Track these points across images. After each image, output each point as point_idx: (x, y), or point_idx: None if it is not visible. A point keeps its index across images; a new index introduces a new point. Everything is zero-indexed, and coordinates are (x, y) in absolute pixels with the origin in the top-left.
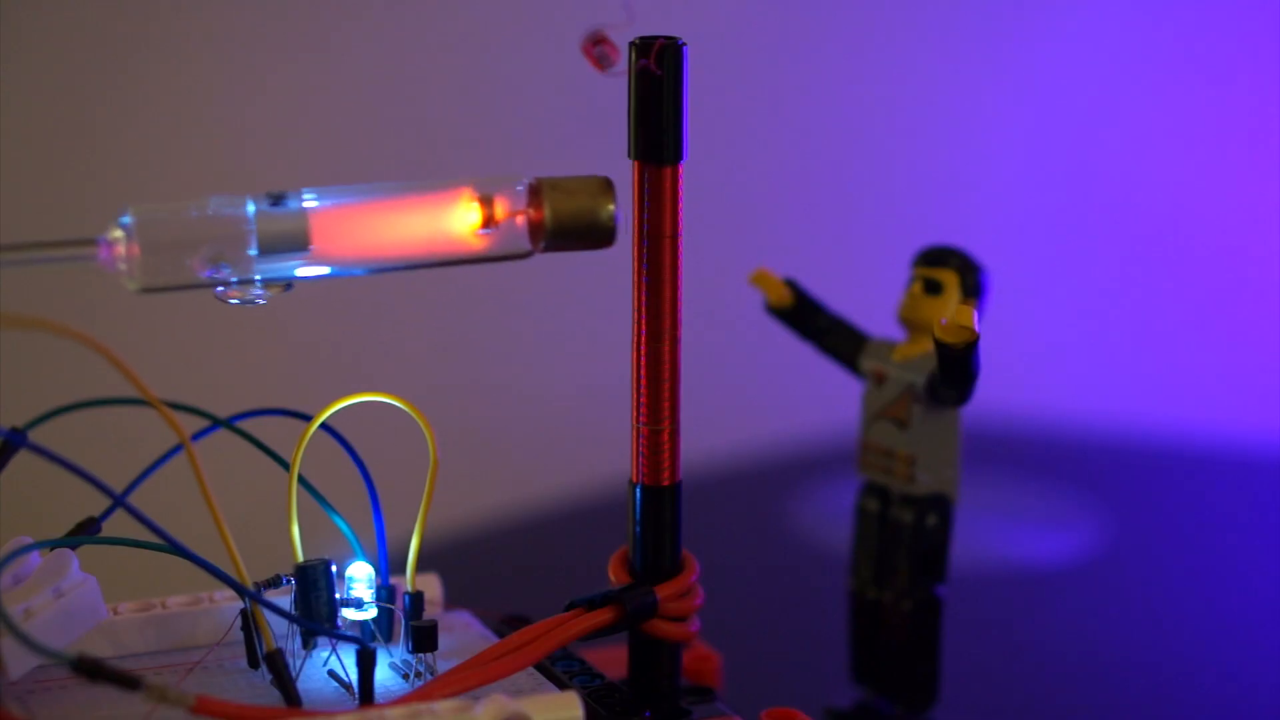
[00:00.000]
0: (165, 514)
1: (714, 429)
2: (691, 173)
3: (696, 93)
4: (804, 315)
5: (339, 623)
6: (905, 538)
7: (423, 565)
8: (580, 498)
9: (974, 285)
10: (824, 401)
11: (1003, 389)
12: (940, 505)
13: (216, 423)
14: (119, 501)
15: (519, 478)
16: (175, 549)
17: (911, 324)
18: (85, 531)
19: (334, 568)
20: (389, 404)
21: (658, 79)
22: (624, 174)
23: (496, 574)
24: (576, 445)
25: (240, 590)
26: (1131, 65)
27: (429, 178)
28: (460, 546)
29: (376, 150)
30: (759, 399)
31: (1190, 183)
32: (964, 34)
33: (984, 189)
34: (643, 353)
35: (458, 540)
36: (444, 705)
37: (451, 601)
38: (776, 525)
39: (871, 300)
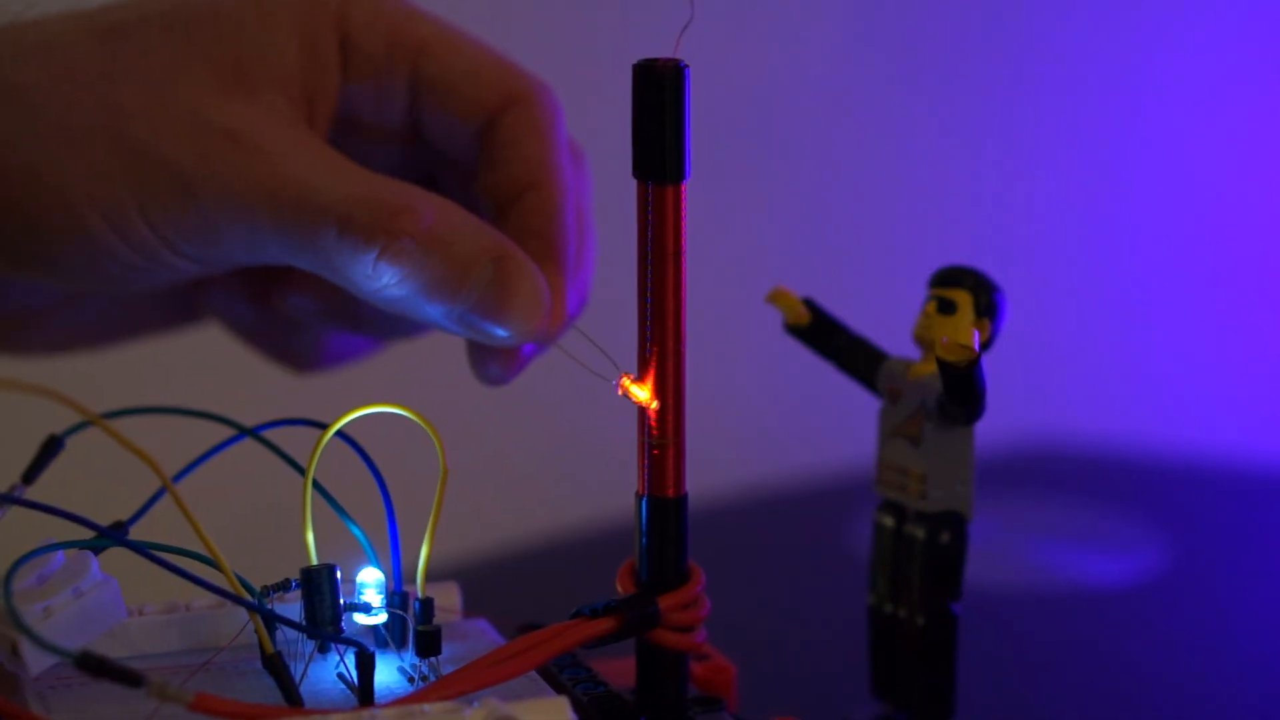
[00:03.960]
0: (179, 520)
1: (740, 444)
2: (715, 190)
3: (714, 107)
4: (822, 334)
5: (343, 627)
6: (918, 554)
7: (455, 576)
8: (617, 510)
9: (988, 305)
10: (849, 418)
11: (1051, 409)
12: (953, 522)
13: (243, 431)
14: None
15: (552, 492)
16: (175, 565)
17: (925, 343)
18: (114, 534)
19: (338, 572)
20: (416, 421)
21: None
22: (629, 191)
23: (530, 585)
24: (611, 458)
25: (234, 599)
26: (1157, 69)
27: None
28: (497, 557)
29: None
30: (783, 415)
31: (1242, 198)
32: (985, 49)
33: (1019, 206)
34: (648, 368)
35: (493, 551)
36: (435, 707)
37: (477, 610)
38: (801, 539)
39: (896, 320)
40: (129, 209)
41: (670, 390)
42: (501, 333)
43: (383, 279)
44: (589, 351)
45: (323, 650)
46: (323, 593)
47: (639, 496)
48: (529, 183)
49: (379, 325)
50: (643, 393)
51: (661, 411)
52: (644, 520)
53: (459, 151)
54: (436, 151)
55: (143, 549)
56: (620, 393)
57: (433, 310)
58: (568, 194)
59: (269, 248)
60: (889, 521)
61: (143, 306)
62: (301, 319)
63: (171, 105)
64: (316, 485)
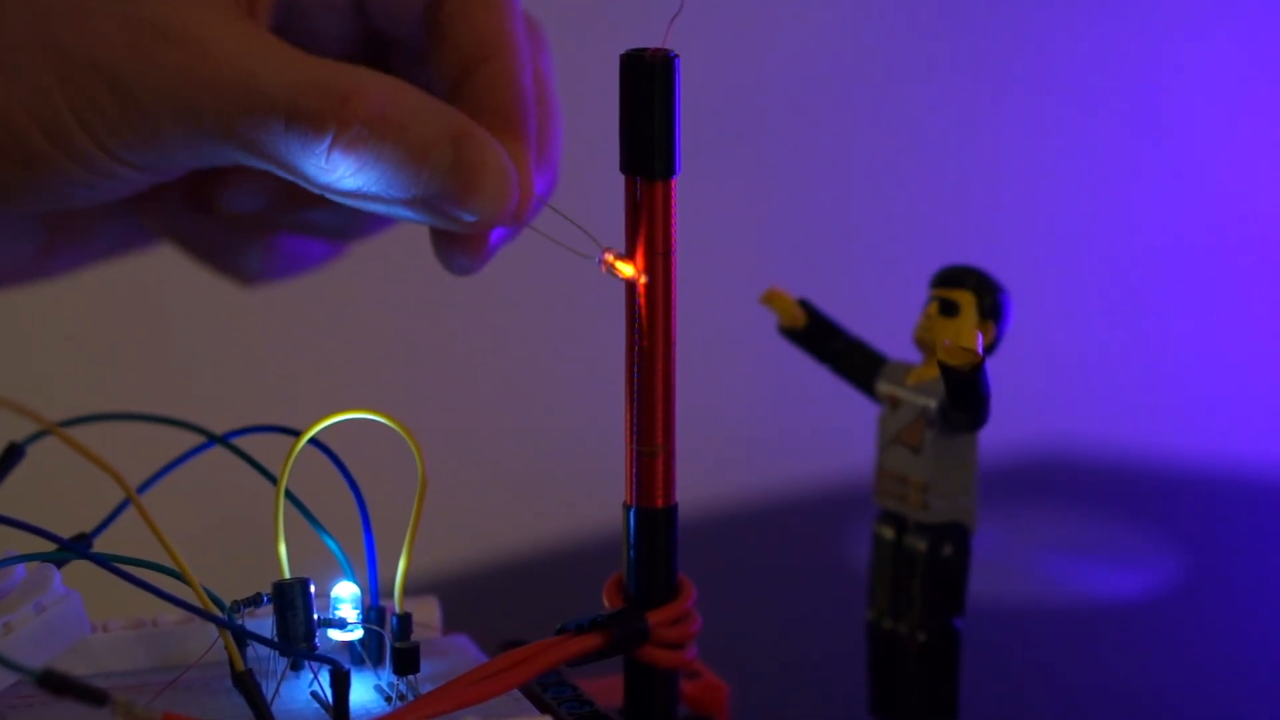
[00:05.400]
0: (146, 533)
1: (732, 452)
2: (707, 186)
3: (706, 99)
4: (818, 337)
5: (317, 643)
6: (919, 567)
7: (434, 590)
8: (604, 521)
9: (992, 306)
10: (847, 425)
11: (1058, 415)
12: (956, 533)
13: (212, 439)
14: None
15: (536, 502)
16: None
17: (926, 346)
18: (76, 546)
19: (312, 586)
20: (393, 428)
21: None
22: (617, 187)
23: (513, 599)
24: (597, 467)
25: (203, 615)
26: (1178, 54)
27: None
28: (478, 570)
29: None
30: (778, 421)
31: (1265, 196)
32: (990, 35)
33: (1025, 203)
34: (635, 373)
35: (474, 564)
36: None
37: (457, 625)
38: (797, 552)
39: (895, 322)
40: (67, 121)
41: (660, 396)
42: (468, 217)
43: (337, 170)
44: (567, 231)
45: (295, 668)
46: (296, 608)
47: (627, 507)
48: (481, 56)
49: (330, 226)
50: (629, 268)
51: (650, 418)
52: (632, 532)
53: (407, 31)
54: (384, 33)
55: (107, 562)
56: (604, 269)
57: (392, 199)
58: (524, 64)
59: (215, 147)
60: (889, 533)
61: (87, 230)
62: (247, 223)
63: (102, 5)
64: (289, 495)
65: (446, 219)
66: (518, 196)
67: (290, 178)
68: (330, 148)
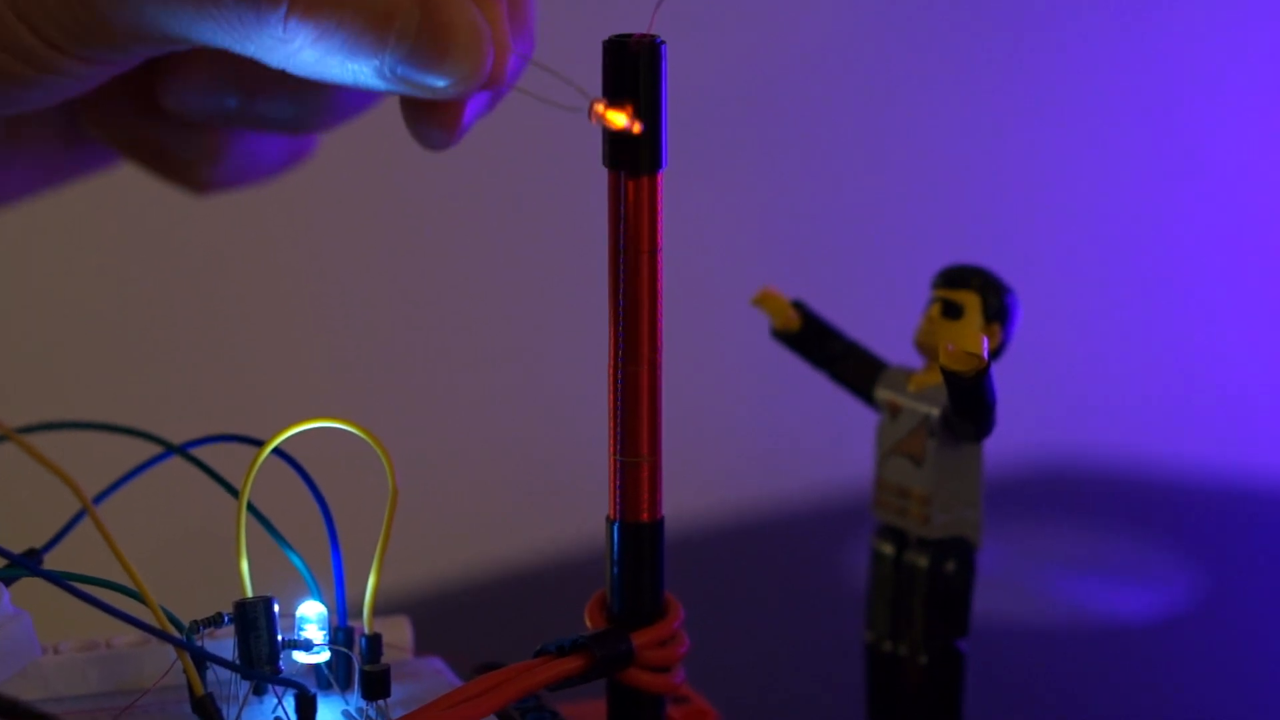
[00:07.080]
0: (99, 549)
1: (722, 462)
2: (695, 181)
3: (694, 89)
4: (814, 341)
5: (281, 666)
6: (921, 585)
7: (406, 610)
8: (586, 537)
9: (998, 308)
10: (844, 433)
11: (1068, 423)
12: (960, 549)
13: (170, 449)
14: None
15: (514, 516)
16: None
17: (928, 350)
18: (26, 562)
19: (276, 606)
20: (362, 438)
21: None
22: (600, 183)
23: (489, 619)
24: (579, 478)
25: (160, 636)
26: (1169, 54)
27: (395, 181)
28: (452, 589)
29: (353, 156)
30: (770, 430)
31: (1271, 199)
32: (995, 18)
33: (1031, 198)
34: (619, 378)
35: (448, 582)
36: None
37: (430, 647)
38: (790, 568)
39: (895, 324)
40: (3, 13)
41: (645, 402)
42: (440, 83)
43: (295, 40)
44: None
45: (258, 692)
46: (259, 628)
47: (610, 521)
48: None
49: (287, 116)
50: (621, 118)
51: (636, 427)
52: (616, 547)
53: None
54: None
55: (59, 580)
56: (594, 121)
57: (358, 69)
58: None
59: (164, 23)
60: (888, 549)
61: (36, 144)
62: (197, 118)
63: None
64: (251, 508)
65: (416, 86)
66: (493, 57)
67: (244, 52)
68: (287, 15)
